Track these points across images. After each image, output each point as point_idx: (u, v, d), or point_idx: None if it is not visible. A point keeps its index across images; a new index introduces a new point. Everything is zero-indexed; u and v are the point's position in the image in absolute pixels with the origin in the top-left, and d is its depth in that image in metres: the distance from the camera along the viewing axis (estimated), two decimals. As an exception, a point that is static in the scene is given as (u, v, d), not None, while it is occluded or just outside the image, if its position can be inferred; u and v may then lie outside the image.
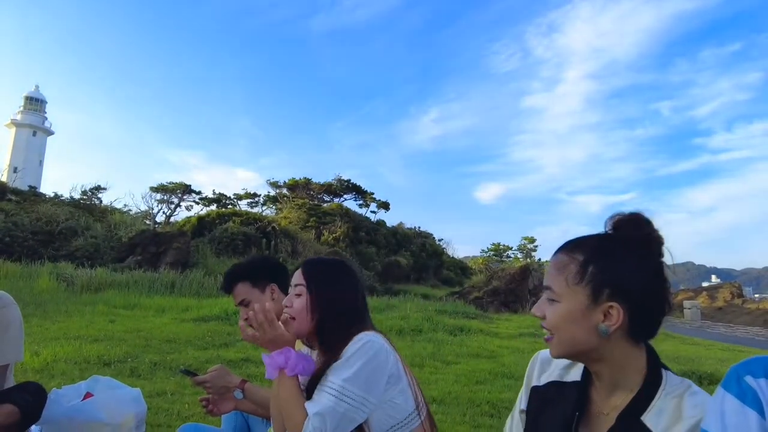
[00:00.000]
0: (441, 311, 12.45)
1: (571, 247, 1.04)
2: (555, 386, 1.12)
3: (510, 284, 20.49)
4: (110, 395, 2.55)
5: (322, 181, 32.36)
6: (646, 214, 1.02)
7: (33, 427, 2.51)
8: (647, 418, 0.95)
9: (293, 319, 1.49)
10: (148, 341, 6.44)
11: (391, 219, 34.88)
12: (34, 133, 41.46)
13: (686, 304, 26.13)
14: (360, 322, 1.50)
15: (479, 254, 42.38)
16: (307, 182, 31.99)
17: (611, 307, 0.96)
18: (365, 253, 26.06)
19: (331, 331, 1.47)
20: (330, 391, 1.36)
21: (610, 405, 1.02)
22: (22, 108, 42.23)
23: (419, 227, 35.29)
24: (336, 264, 1.61)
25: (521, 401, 1.18)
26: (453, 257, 37.91)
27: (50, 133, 43.23)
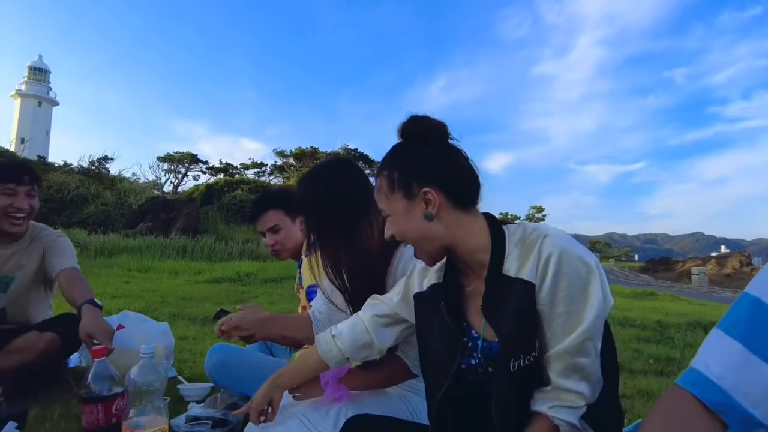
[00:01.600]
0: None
1: (378, 171, 1.17)
2: (435, 287, 1.20)
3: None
4: (141, 327, 2.64)
5: (329, 150, 32.24)
6: (419, 112, 1.13)
7: (74, 355, 2.62)
8: (506, 269, 1.04)
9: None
10: (164, 298, 6.57)
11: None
12: (40, 104, 41.41)
13: (694, 270, 26.15)
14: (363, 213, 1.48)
15: (486, 224, 42.33)
16: (314, 151, 31.84)
17: (426, 193, 1.08)
18: (373, 221, 26.11)
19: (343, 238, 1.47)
20: None
21: (479, 278, 1.10)
22: (26, 78, 42.06)
23: (426, 196, 35.25)
24: (321, 175, 1.55)
25: (393, 291, 1.32)
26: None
27: (55, 103, 43.16)
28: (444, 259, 1.18)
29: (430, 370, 1.18)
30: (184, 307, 5.91)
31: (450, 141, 1.13)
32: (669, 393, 0.75)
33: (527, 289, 1.00)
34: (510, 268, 1.03)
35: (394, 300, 1.31)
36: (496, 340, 1.05)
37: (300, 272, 2.34)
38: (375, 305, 1.35)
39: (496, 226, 1.11)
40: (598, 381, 1.01)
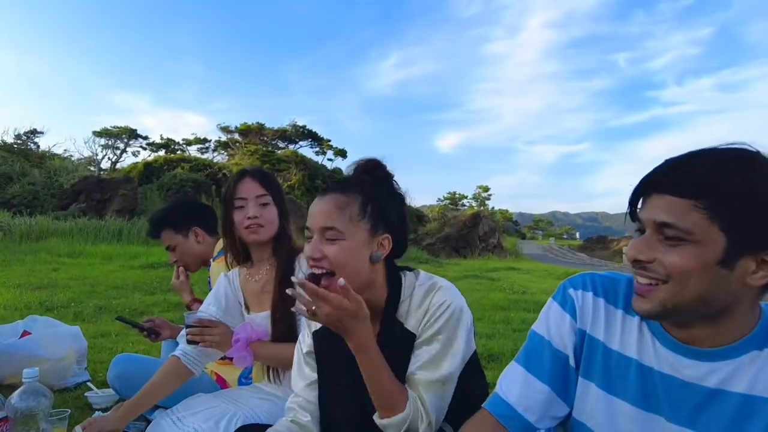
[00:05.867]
0: (392, 256, 12.76)
1: (344, 188, 1.14)
2: None
3: (461, 230, 21.15)
4: (49, 333, 2.60)
5: (276, 127, 31.55)
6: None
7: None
8: (399, 315, 1.17)
9: (262, 227, 1.65)
10: (93, 288, 6.39)
11: (348, 167, 34.53)
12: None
13: (624, 250, 27.63)
14: None
15: (436, 203, 43.13)
16: (261, 128, 31.06)
17: (385, 238, 1.14)
18: (320, 200, 25.93)
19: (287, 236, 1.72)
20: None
21: (376, 320, 1.16)
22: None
23: (375, 175, 35.26)
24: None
25: (304, 344, 1.29)
26: (410, 206, 38.09)
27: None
28: None
29: (336, 405, 1.19)
30: (113, 297, 5.78)
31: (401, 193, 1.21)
32: (476, 414, 0.97)
33: (407, 339, 1.13)
34: (402, 314, 1.15)
35: (305, 349, 1.31)
36: None
37: (210, 276, 2.39)
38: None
39: (394, 273, 1.18)
40: (442, 415, 1.14)
